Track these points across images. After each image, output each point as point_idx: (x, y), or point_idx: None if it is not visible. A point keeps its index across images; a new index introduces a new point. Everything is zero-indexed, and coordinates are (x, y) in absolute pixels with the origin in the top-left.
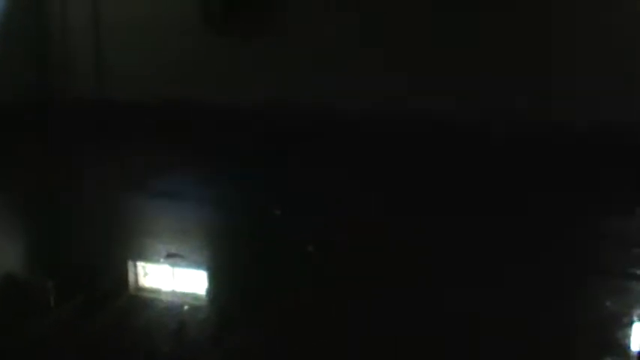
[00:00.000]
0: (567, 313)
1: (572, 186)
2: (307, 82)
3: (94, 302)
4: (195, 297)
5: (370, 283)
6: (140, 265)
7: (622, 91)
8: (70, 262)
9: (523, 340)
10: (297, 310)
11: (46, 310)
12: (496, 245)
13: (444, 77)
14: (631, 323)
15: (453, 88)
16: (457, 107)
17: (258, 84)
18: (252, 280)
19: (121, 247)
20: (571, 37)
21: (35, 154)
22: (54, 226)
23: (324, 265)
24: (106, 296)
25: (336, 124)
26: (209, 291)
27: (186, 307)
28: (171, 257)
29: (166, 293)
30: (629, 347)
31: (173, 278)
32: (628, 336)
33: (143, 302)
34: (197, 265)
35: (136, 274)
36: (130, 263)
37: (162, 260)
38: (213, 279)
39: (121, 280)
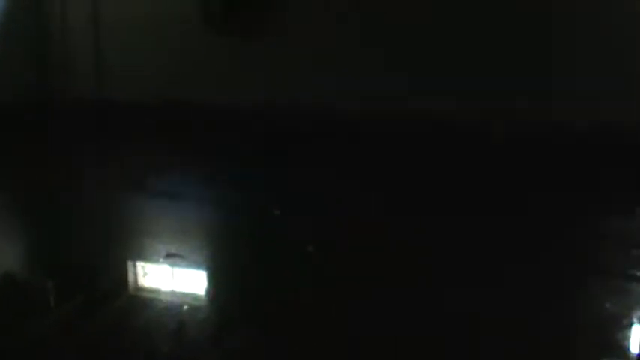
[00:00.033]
0: (567, 314)
1: (572, 186)
2: (307, 82)
3: (94, 302)
4: (194, 297)
5: (370, 283)
6: (140, 264)
7: (622, 91)
8: (69, 262)
9: (523, 340)
10: (297, 310)
11: (45, 310)
12: (496, 245)
13: (444, 77)
14: (631, 324)
15: (453, 88)
16: (457, 107)
17: (258, 84)
18: (252, 280)
19: (121, 247)
20: (571, 37)
21: (35, 154)
22: (54, 226)
23: (324, 265)
24: (106, 296)
25: (336, 124)
26: (209, 291)
27: (185, 307)
28: (171, 257)
29: (166, 293)
30: (628, 348)
31: (173, 278)
32: (628, 337)
33: (143, 302)
34: (197, 265)
35: (135, 274)
36: (130, 263)
37: (161, 260)
38: (212, 279)
39: (120, 279)
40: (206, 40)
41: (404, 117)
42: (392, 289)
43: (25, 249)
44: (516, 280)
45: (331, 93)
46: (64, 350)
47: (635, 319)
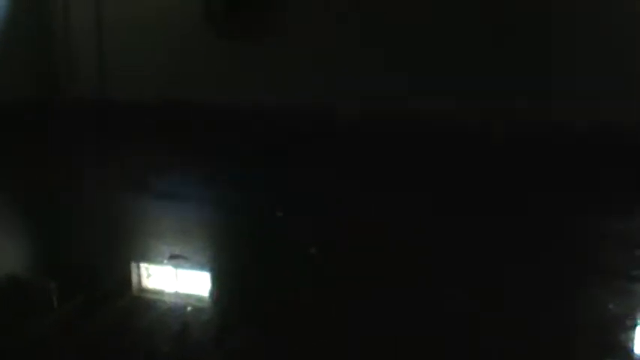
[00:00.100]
0: (567, 314)
1: (572, 186)
2: (307, 82)
3: (97, 303)
4: (198, 298)
5: (370, 283)
6: (143, 266)
7: (622, 91)
8: (72, 262)
9: (523, 340)
10: (301, 311)
11: (48, 310)
12: (496, 245)
13: (443, 77)
14: (631, 325)
15: (453, 88)
16: (457, 107)
17: (258, 84)
18: (256, 281)
19: (124, 248)
20: (571, 37)
21: (35, 154)
22: (55, 227)
23: (324, 265)
24: (109, 297)
25: (336, 124)
26: (212, 292)
27: (189, 309)
28: (175, 258)
29: (169, 294)
30: (630, 350)
31: (176, 279)
32: (629, 338)
33: (146, 303)
34: (200, 266)
35: (139, 275)
36: (133, 264)
37: (165, 261)
38: (216, 280)
39: (123, 281)
40: (206, 40)
41: (404, 117)
42: (392, 289)
43: (27, 249)
44: (517, 281)
45: (331, 93)
46: (65, 351)
47: (636, 320)
